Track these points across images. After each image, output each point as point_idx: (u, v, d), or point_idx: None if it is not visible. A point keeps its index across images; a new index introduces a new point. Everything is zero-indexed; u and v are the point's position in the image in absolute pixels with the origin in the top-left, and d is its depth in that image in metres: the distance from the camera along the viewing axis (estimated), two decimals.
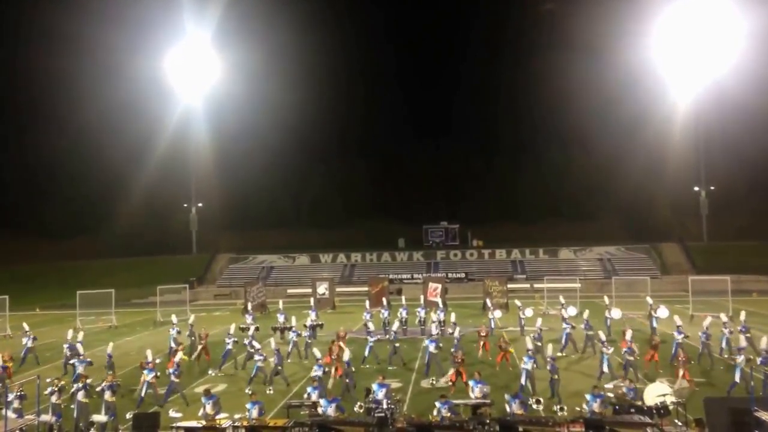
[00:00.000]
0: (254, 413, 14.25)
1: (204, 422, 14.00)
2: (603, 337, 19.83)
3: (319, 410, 14.44)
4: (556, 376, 17.14)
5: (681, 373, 17.17)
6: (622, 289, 38.53)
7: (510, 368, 20.40)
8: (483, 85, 72.34)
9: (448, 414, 13.93)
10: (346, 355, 18.39)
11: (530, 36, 66.23)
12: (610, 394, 15.18)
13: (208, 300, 50.38)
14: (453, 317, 24.95)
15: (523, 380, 16.88)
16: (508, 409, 14.25)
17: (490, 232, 61.62)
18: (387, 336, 25.24)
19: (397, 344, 22.15)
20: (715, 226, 56.94)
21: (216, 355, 23.10)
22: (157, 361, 20.04)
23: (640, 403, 14.34)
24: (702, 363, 20.32)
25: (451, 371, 18.03)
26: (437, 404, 14.19)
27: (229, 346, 22.03)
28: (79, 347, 20.80)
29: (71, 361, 18.95)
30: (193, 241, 65.74)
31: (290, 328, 24.99)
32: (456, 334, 22.09)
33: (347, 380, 17.58)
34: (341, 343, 21.30)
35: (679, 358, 18.00)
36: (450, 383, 17.82)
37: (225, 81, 62.22)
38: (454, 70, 80.00)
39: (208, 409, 14.62)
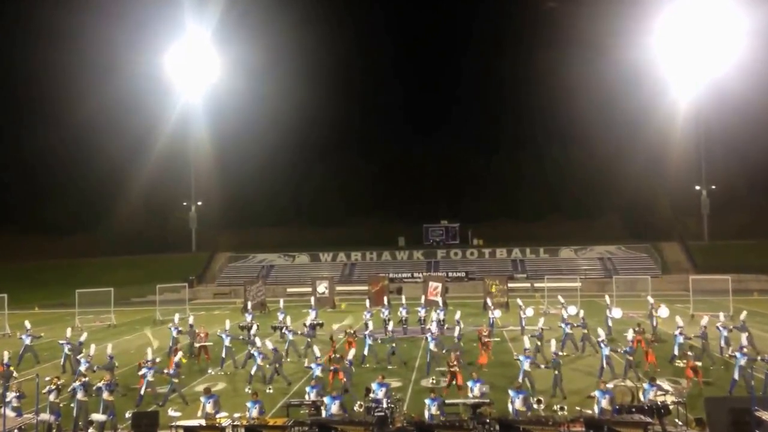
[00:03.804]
0: (254, 412, 14.21)
1: (204, 421, 13.97)
2: (602, 335, 19.78)
3: (323, 408, 14.41)
4: (557, 372, 17.13)
5: (689, 371, 17.24)
6: (623, 289, 38.55)
7: (487, 369, 20.31)
8: (483, 84, 72.54)
9: (438, 412, 13.93)
10: (351, 354, 18.37)
11: (531, 34, 66.17)
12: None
13: (208, 299, 50.33)
14: (458, 315, 24.89)
15: (520, 379, 16.84)
16: (510, 406, 14.21)
17: (491, 231, 61.58)
18: (386, 335, 25.17)
19: (394, 344, 22.09)
20: (716, 225, 56.87)
21: (215, 353, 23.04)
22: (158, 360, 20.01)
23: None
24: (703, 363, 20.25)
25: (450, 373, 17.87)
26: (427, 401, 14.26)
27: (227, 344, 21.89)
28: (91, 350, 20.29)
29: (80, 360, 18.91)
30: (193, 240, 65.65)
31: (286, 327, 24.86)
32: (456, 333, 22.05)
33: (344, 379, 17.52)
34: (352, 340, 21.49)
35: (686, 353, 18.07)
36: (445, 385, 17.69)
37: (225, 79, 62.21)
38: (455, 68, 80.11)
39: (208, 408, 14.58)
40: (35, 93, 68.97)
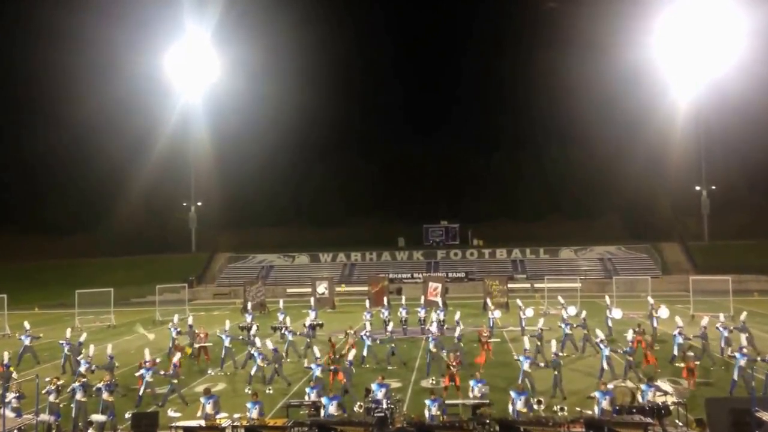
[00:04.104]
0: (254, 413, 14.20)
1: (204, 422, 13.95)
2: (601, 335, 19.76)
3: (321, 409, 14.39)
4: (557, 373, 17.12)
5: (685, 371, 17.21)
6: (623, 289, 38.56)
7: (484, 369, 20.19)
8: (483, 84, 72.61)
9: (438, 412, 13.91)
10: (351, 354, 18.33)
11: (531, 34, 66.26)
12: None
13: (207, 299, 50.30)
14: (458, 315, 24.86)
15: (520, 380, 16.83)
16: (511, 407, 14.19)
17: (491, 231, 61.55)
18: (386, 335, 25.14)
19: (394, 344, 22.06)
20: (716, 225, 56.84)
21: (215, 354, 23.02)
22: (158, 360, 20.00)
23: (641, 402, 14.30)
24: (703, 363, 20.25)
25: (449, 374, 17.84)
26: (427, 402, 14.24)
27: (227, 344, 21.86)
28: (90, 350, 20.38)
29: (80, 361, 18.98)
30: (193, 240, 65.59)
31: (285, 328, 24.83)
32: (457, 333, 22.01)
33: (344, 380, 17.50)
34: (351, 341, 21.47)
35: (686, 353, 18.05)
36: (443, 387, 17.66)
37: (225, 79, 62.20)
38: (455, 68, 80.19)
39: (208, 408, 14.57)
40: (35, 93, 69.05)
